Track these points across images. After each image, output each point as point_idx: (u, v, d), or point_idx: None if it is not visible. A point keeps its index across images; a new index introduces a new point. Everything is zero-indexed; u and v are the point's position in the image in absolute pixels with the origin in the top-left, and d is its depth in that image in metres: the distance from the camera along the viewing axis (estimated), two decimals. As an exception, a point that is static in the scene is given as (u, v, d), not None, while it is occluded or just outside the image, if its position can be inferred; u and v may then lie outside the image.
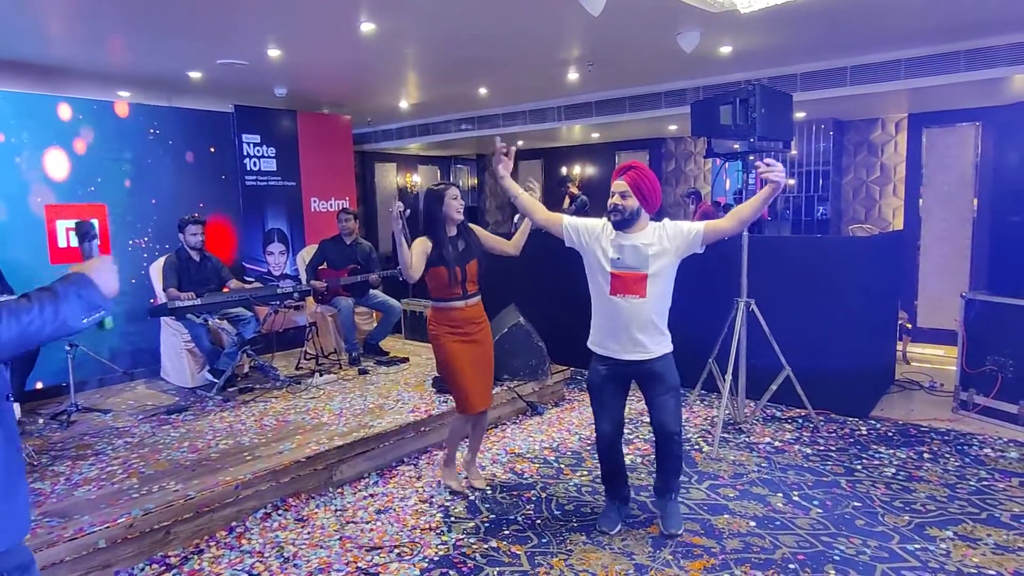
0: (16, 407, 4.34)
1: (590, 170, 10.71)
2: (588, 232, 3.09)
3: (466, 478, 3.77)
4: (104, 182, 5.59)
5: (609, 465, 3.27)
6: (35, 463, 3.69)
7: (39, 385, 5.05)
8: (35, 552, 2.66)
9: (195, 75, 6.09)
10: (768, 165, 2.81)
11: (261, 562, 2.99)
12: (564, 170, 10.94)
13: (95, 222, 1.75)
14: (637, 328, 2.98)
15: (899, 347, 6.16)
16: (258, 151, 6.84)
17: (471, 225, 3.55)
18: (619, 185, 2.96)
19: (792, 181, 2.80)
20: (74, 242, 5.43)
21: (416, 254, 3.33)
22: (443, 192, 3.40)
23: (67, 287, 1.47)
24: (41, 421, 4.50)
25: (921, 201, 7.32)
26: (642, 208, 2.96)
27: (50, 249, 5.26)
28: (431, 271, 3.36)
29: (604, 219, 3.08)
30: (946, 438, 4.37)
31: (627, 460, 4.02)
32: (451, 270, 3.33)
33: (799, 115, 7.27)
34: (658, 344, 3.02)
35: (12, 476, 1.54)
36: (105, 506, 3.11)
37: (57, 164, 5.33)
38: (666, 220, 3.04)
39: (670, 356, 3.07)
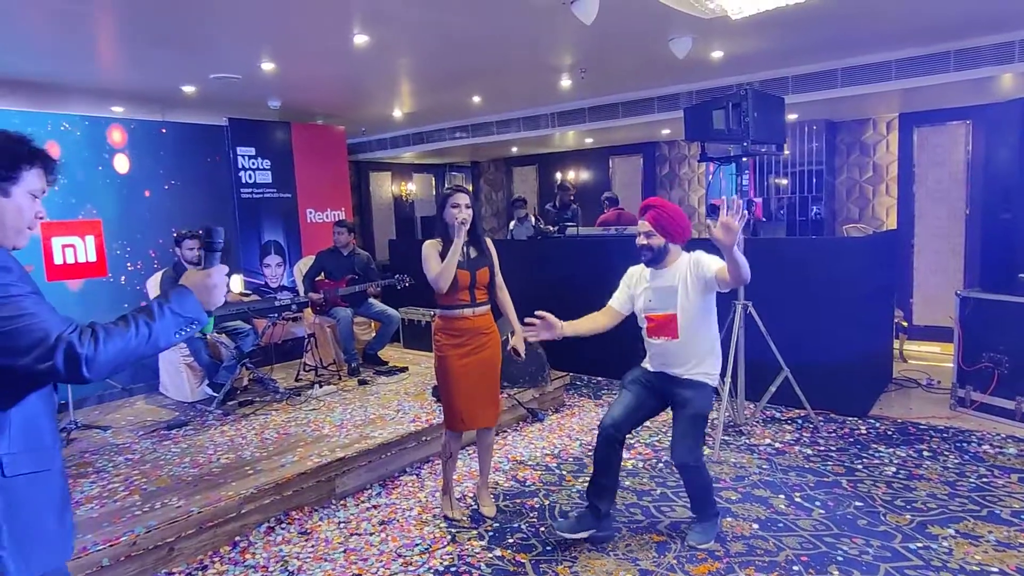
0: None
1: (584, 175, 10.75)
2: (627, 291, 3.25)
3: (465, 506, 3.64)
4: (99, 198, 5.59)
5: (598, 461, 3.16)
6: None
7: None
8: (40, 572, 2.67)
9: (189, 89, 6.11)
10: (725, 218, 2.68)
11: (266, 576, 2.99)
12: (559, 176, 10.97)
13: (222, 231, 1.81)
14: (675, 365, 3.09)
15: (896, 345, 6.19)
16: (253, 163, 6.85)
17: (489, 240, 3.44)
18: (642, 225, 3.07)
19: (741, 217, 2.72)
20: (70, 258, 5.44)
21: (431, 258, 3.27)
22: (446, 197, 3.29)
23: (163, 306, 1.55)
24: (41, 439, 4.48)
25: (914, 200, 7.37)
26: (668, 243, 3.05)
27: (46, 267, 5.26)
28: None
29: (640, 265, 3.20)
30: (945, 435, 4.40)
31: (628, 464, 4.05)
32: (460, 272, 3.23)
33: (791, 117, 7.31)
34: (693, 372, 3.06)
35: (66, 498, 1.63)
36: (108, 524, 3.10)
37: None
38: (699, 253, 3.05)
39: (705, 387, 3.06)
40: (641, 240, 3.08)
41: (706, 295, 3.02)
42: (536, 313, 3.08)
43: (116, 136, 5.75)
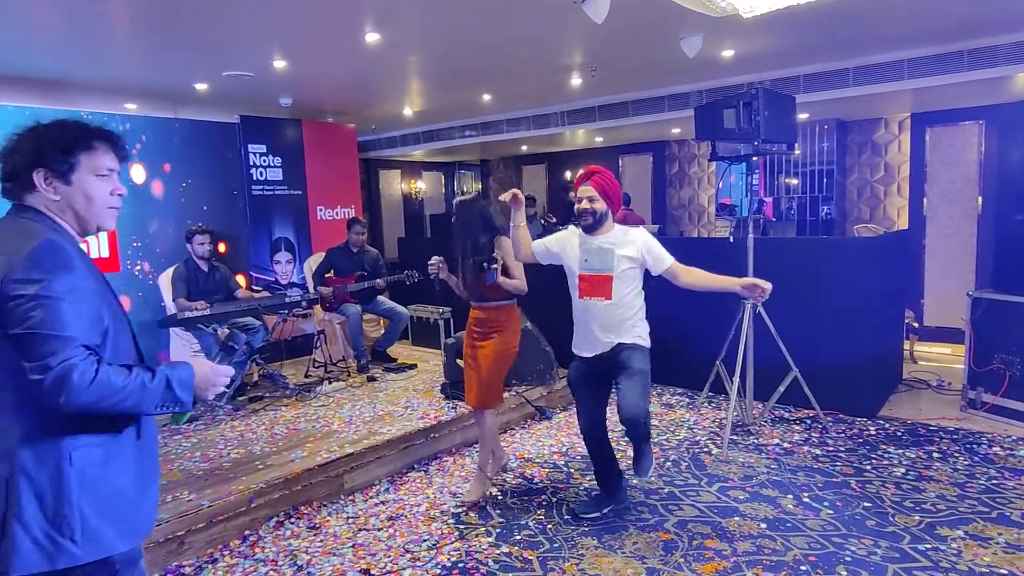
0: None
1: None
2: (556, 244, 3.32)
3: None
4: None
5: (594, 456, 3.45)
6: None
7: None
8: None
9: (201, 87, 6.14)
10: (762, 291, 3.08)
11: (275, 570, 3.01)
12: (568, 174, 10.97)
13: (244, 337, 1.80)
14: (606, 328, 3.15)
15: (906, 346, 6.16)
16: (264, 161, 6.89)
17: (504, 241, 3.58)
18: (586, 190, 3.14)
19: (767, 286, 3.04)
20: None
21: None
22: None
23: (163, 376, 1.55)
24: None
25: (925, 200, 7.33)
26: (608, 209, 3.17)
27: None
28: None
29: (571, 228, 3.31)
30: (955, 437, 4.38)
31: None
32: (457, 273, 3.71)
33: (802, 116, 7.27)
34: (627, 337, 3.14)
35: (143, 478, 1.65)
36: (120, 516, 3.13)
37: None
38: (643, 230, 3.23)
39: (640, 347, 3.15)
40: (584, 205, 3.14)
41: (641, 273, 3.18)
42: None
43: (136, 169, 5.82)
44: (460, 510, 3.54)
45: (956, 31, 5.01)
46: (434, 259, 3.69)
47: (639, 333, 3.17)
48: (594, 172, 3.19)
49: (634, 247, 3.14)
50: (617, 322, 3.13)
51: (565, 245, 3.29)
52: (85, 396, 1.43)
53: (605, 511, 3.42)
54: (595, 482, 3.74)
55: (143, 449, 1.66)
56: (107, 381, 1.45)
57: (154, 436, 1.73)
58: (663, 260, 3.15)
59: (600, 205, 3.13)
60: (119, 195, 1.66)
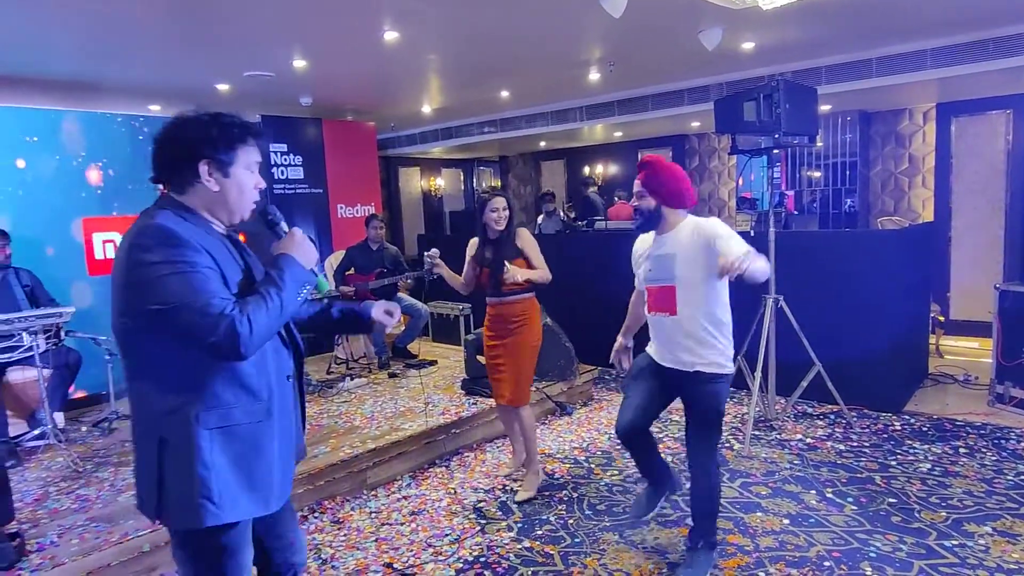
0: (60, 416, 4.48)
1: (613, 169, 10.70)
2: (636, 260, 2.97)
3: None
4: (134, 193, 5.71)
5: (632, 452, 3.00)
6: (80, 469, 3.80)
7: (81, 394, 5.19)
8: (83, 557, 2.77)
9: (223, 87, 6.21)
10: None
11: (300, 564, 3.05)
12: (587, 169, 10.94)
13: (274, 207, 1.86)
14: (675, 347, 2.73)
15: (932, 340, 6.07)
16: (285, 159, 6.96)
17: (523, 232, 3.59)
18: (636, 185, 2.78)
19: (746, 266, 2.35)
20: (110, 253, 5.57)
21: (467, 257, 3.66)
22: (485, 201, 3.56)
23: (280, 273, 1.61)
24: (84, 428, 4.63)
25: (951, 192, 7.20)
26: (660, 206, 2.73)
27: (88, 262, 5.40)
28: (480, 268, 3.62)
29: (650, 233, 2.87)
30: (982, 432, 4.31)
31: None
32: (480, 268, 3.59)
33: (824, 108, 7.19)
34: (699, 362, 2.68)
35: (277, 444, 1.69)
36: (149, 511, 3.19)
37: (92, 178, 5.48)
38: (716, 219, 2.71)
39: (721, 380, 2.69)
40: (634, 201, 2.79)
41: (708, 270, 2.61)
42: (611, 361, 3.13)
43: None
44: (482, 504, 3.57)
45: (981, 20, 4.92)
46: (432, 251, 3.50)
47: (716, 359, 2.67)
48: (644, 165, 2.77)
49: (699, 245, 2.62)
50: (691, 344, 2.67)
51: (638, 254, 2.93)
52: (256, 335, 1.49)
53: (658, 506, 3.07)
54: (616, 478, 3.75)
55: (281, 416, 1.70)
56: (257, 317, 1.50)
57: (289, 406, 1.76)
58: (725, 248, 2.51)
59: (648, 202, 2.73)
60: (259, 188, 1.72)
